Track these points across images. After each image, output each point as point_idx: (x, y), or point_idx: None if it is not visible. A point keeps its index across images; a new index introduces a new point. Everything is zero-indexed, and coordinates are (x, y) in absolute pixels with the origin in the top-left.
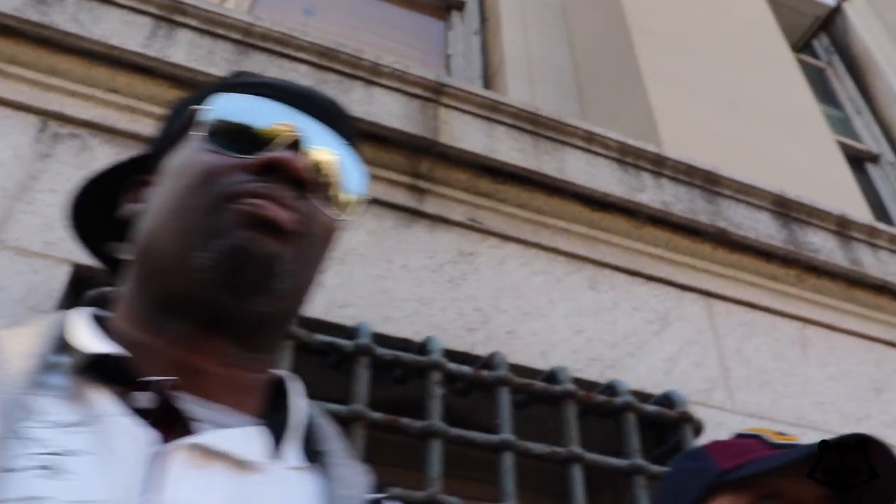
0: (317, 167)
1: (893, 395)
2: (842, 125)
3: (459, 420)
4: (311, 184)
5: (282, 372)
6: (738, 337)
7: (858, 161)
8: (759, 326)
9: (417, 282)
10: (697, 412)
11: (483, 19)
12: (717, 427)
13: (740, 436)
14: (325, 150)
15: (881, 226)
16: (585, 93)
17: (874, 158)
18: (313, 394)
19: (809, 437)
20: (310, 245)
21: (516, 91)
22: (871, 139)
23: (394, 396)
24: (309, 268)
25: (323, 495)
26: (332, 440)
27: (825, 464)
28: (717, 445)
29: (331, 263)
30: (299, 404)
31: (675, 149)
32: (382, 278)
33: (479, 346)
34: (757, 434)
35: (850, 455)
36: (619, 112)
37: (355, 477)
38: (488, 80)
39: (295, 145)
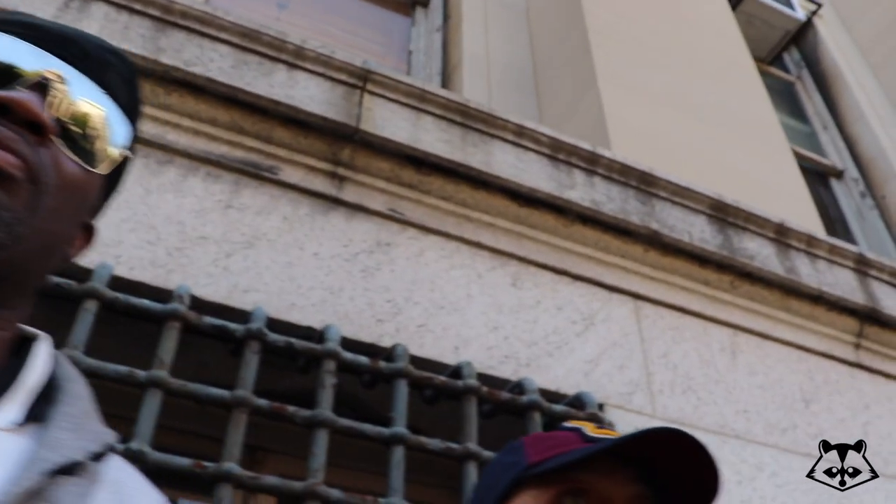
0: (69, 114)
1: (822, 407)
2: (808, 140)
3: (368, 413)
4: (50, 129)
5: (33, 330)
6: (665, 341)
7: (823, 176)
8: (689, 331)
9: (328, 270)
10: (615, 416)
11: (446, 17)
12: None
13: (561, 428)
14: (83, 99)
15: (821, 235)
16: (542, 93)
17: (838, 174)
18: (206, 378)
19: (731, 447)
20: (43, 193)
21: (473, 89)
22: (835, 154)
23: (305, 387)
24: (44, 218)
25: (24, 458)
26: (71, 403)
27: (632, 455)
28: (534, 438)
29: (238, 248)
30: (37, 364)
31: (623, 151)
32: (291, 265)
33: (388, 338)
34: (577, 427)
35: (662, 451)
36: (573, 113)
37: (75, 441)
38: (446, 78)
39: (40, 88)
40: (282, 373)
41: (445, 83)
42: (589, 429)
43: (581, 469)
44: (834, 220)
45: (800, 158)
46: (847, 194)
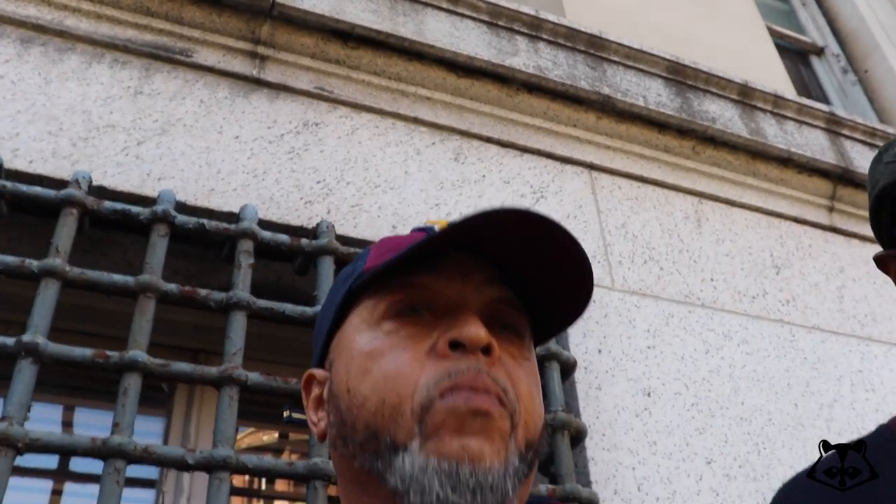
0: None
1: (794, 273)
2: (786, 17)
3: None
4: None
5: None
6: (624, 212)
7: (803, 55)
8: (649, 201)
9: (250, 153)
10: None
11: None
12: (593, 304)
13: (417, 229)
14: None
15: (789, 95)
16: None
17: (819, 51)
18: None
19: (697, 316)
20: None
21: None
22: (815, 31)
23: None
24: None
25: None
26: None
27: (488, 251)
28: (382, 240)
29: (150, 135)
30: None
31: (580, 21)
32: (209, 150)
33: (318, 220)
34: (430, 226)
35: (523, 246)
36: None
37: None
38: None
39: None
40: (215, 267)
41: None
42: (440, 226)
43: (425, 273)
44: (817, 99)
45: (778, 36)
46: (828, 71)
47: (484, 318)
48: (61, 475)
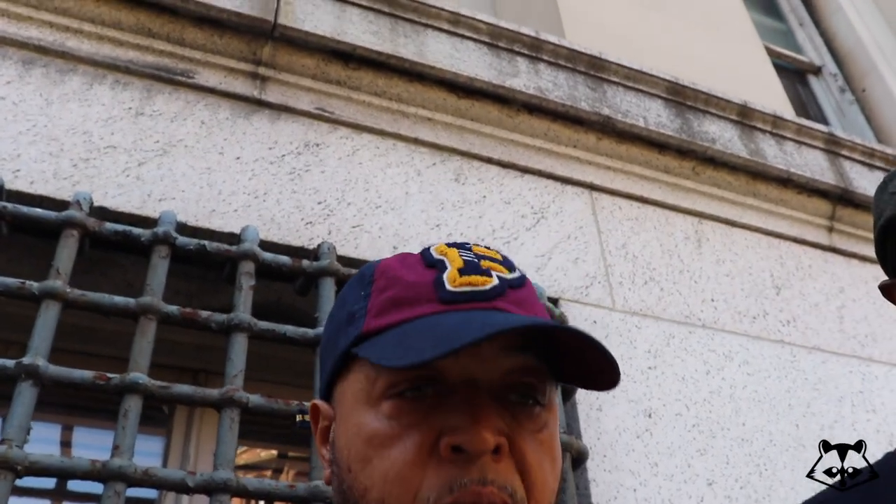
0: None
1: (795, 293)
2: (784, 38)
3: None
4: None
5: None
6: (624, 232)
7: (801, 74)
8: (650, 222)
9: (251, 174)
10: (572, 310)
11: None
12: (594, 325)
13: (427, 259)
14: None
15: (788, 115)
16: None
17: (816, 70)
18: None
19: (698, 337)
20: None
21: None
22: (813, 51)
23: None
24: None
25: None
26: None
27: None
28: (385, 276)
29: (151, 156)
30: None
31: (579, 42)
32: (211, 171)
33: (319, 241)
34: (438, 261)
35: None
36: (530, 10)
37: None
38: None
39: None
40: (216, 288)
41: None
42: (451, 274)
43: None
44: (814, 119)
45: (776, 56)
46: (826, 91)
47: (496, 391)
48: (59, 495)
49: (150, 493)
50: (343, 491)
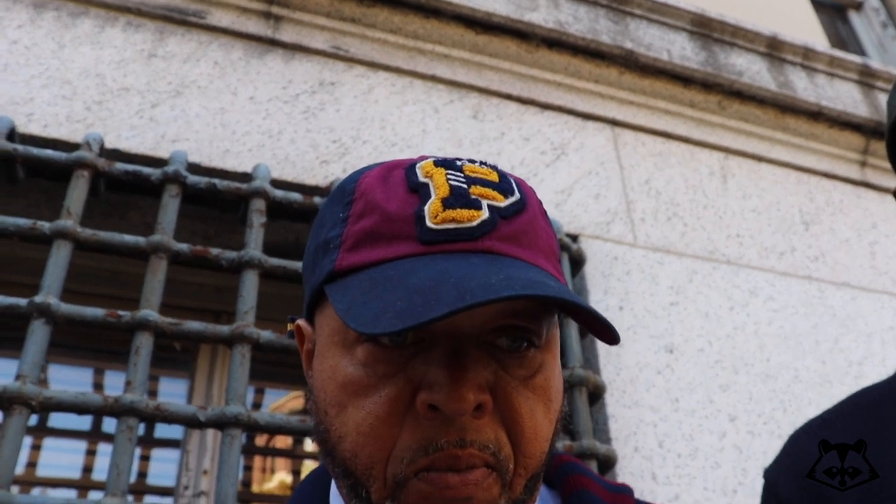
0: None
1: (824, 229)
2: None
3: None
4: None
5: None
6: (647, 168)
7: (841, 10)
8: (674, 157)
9: (265, 114)
10: (592, 246)
11: None
12: (614, 262)
13: (410, 178)
14: None
15: (819, 47)
16: None
17: (857, 5)
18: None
19: (722, 273)
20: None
21: None
22: None
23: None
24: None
25: None
26: None
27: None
28: (366, 198)
29: (164, 97)
30: None
31: None
32: (224, 111)
33: (334, 179)
34: (425, 183)
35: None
36: None
37: None
38: None
39: None
40: (233, 229)
41: None
42: (433, 206)
43: None
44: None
45: None
46: (867, 26)
47: (484, 337)
48: (94, 436)
49: (176, 433)
50: (321, 431)
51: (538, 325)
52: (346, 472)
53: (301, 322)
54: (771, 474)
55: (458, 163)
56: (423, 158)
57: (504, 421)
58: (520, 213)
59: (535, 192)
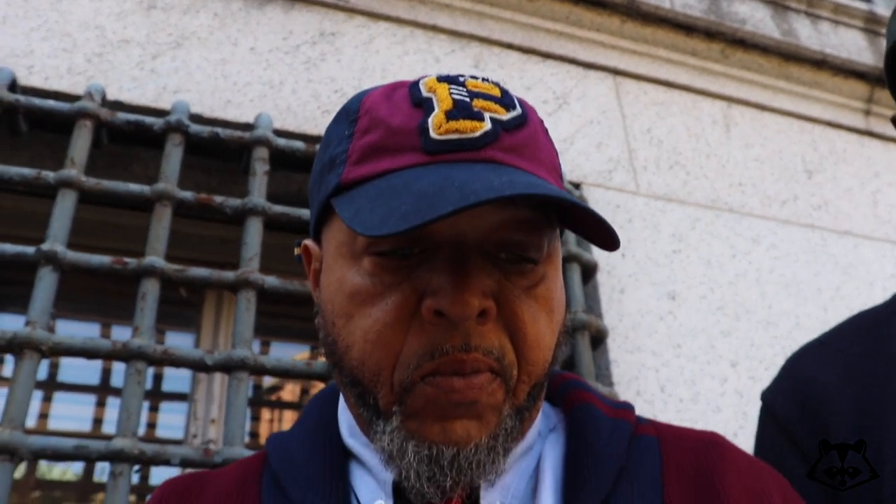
0: None
1: (827, 177)
2: None
3: None
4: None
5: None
6: (649, 117)
7: None
8: (676, 106)
9: (266, 65)
10: (595, 195)
11: None
12: (616, 210)
13: (414, 93)
14: None
15: None
16: None
17: None
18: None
19: (724, 220)
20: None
21: None
22: None
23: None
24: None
25: None
26: None
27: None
28: (370, 116)
29: (165, 48)
30: None
31: None
32: (225, 62)
33: None
34: (429, 98)
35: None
36: None
37: None
38: None
39: None
40: (235, 180)
41: None
42: (437, 118)
43: None
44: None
45: None
46: None
47: (486, 248)
48: (103, 390)
49: (184, 386)
50: (329, 343)
51: (539, 238)
52: (353, 381)
53: (308, 242)
54: (768, 396)
55: (461, 78)
56: (426, 76)
57: (507, 329)
58: (521, 126)
59: (536, 112)
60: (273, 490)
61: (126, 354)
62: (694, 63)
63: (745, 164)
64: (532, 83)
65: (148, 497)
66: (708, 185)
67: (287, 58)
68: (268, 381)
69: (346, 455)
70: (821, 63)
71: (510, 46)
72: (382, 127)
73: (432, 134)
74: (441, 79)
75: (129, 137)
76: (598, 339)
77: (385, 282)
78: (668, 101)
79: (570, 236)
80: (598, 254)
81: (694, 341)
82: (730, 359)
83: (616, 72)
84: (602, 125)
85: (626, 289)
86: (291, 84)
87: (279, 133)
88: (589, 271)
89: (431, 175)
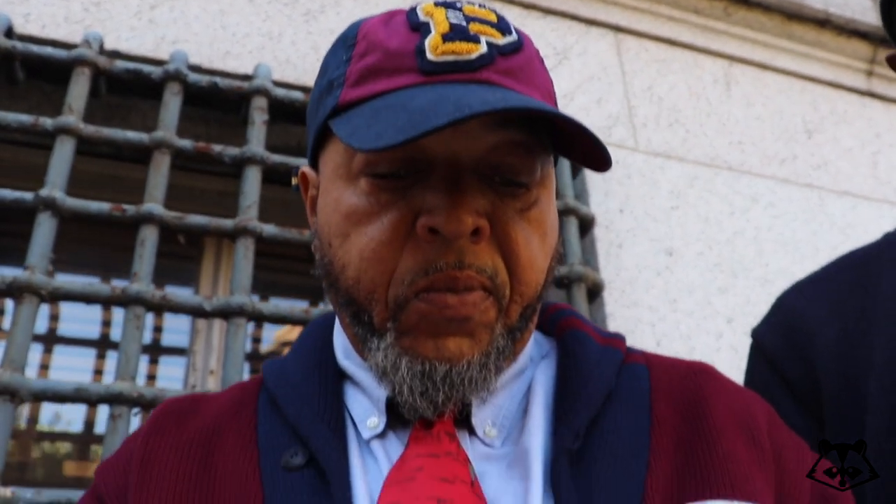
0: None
1: (827, 137)
2: None
3: None
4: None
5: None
6: (650, 74)
7: None
8: (677, 64)
9: (265, 16)
10: None
11: None
12: (616, 165)
13: (412, 19)
14: None
15: None
16: None
17: None
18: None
19: (723, 178)
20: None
21: None
22: None
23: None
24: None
25: None
26: None
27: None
28: (368, 40)
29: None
30: None
31: None
32: (224, 13)
33: None
34: (426, 22)
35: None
36: None
37: None
38: None
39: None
40: (234, 132)
41: None
42: (433, 40)
43: None
44: None
45: None
46: None
47: (481, 169)
48: (103, 345)
49: (182, 342)
50: (325, 265)
51: (533, 162)
52: (349, 300)
53: (305, 168)
54: (758, 333)
55: (458, 4)
56: (424, 1)
57: (501, 249)
58: (517, 51)
59: (532, 42)
60: (269, 410)
61: (125, 300)
62: (696, 21)
63: (745, 122)
64: (533, 38)
65: None
66: (707, 143)
67: (286, 9)
68: (266, 345)
69: (341, 376)
70: (824, 22)
71: (511, 1)
72: (380, 50)
73: (429, 55)
74: (438, 3)
75: (128, 87)
76: (595, 291)
77: (381, 201)
78: (669, 59)
79: (569, 189)
80: (596, 209)
81: (690, 297)
82: (726, 315)
83: (617, 28)
84: (602, 81)
85: (624, 244)
86: (291, 36)
87: (279, 84)
88: (586, 224)
89: (427, 94)
